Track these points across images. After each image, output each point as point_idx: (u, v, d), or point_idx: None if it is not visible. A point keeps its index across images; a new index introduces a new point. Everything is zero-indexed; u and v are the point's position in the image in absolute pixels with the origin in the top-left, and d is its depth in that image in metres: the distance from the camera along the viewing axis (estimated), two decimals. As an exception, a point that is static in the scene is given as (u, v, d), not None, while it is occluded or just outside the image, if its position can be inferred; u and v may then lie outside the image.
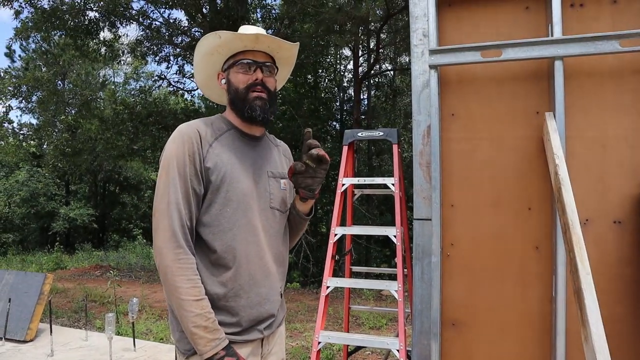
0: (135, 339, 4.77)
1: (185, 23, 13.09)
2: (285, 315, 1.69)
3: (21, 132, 18.56)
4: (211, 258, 1.40)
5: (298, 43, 1.61)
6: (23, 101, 14.78)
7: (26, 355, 4.46)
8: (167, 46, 13.23)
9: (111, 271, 8.37)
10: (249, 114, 1.48)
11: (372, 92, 16.88)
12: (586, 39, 2.18)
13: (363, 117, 15.03)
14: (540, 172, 2.41)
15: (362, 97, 15.49)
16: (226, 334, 1.36)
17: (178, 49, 13.15)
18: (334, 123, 16.83)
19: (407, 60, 14.86)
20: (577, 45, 2.20)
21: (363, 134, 3.25)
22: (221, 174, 1.40)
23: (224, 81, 1.52)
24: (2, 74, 15.78)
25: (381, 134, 3.21)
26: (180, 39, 13.05)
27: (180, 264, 1.31)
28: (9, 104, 14.75)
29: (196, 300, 1.30)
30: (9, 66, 18.09)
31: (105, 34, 12.16)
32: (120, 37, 12.37)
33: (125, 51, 13.21)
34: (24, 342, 4.80)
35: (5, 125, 19.41)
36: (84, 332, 5.18)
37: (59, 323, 5.92)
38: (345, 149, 3.29)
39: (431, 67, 2.44)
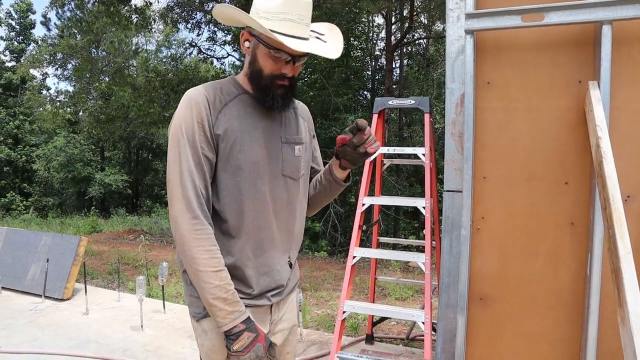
0: (165, 302, 4.92)
1: (216, -11, 12.98)
2: (299, 282, 1.67)
3: (58, 99, 19.02)
4: (221, 227, 1.38)
5: (340, 36, 1.47)
6: (59, 69, 15.06)
7: (64, 312, 4.67)
8: (198, 13, 13.16)
9: (142, 235, 8.61)
10: (270, 104, 1.40)
11: (405, 62, 16.49)
12: (640, 0, 2.02)
13: (395, 86, 14.74)
14: (579, 145, 2.29)
15: (394, 67, 15.15)
16: None
17: (209, 16, 13.06)
18: (365, 92, 16.58)
19: (442, 28, 14.37)
20: (631, 8, 2.04)
21: (394, 102, 3.15)
22: (231, 141, 1.34)
23: (247, 44, 1.38)
24: (40, 42, 16.10)
25: (412, 102, 3.11)
26: (210, 6, 12.94)
27: (197, 235, 1.28)
28: (45, 71, 15.06)
29: (215, 272, 1.27)
30: (45, 34, 18.44)
31: (137, 1, 12.18)
32: (151, 4, 12.36)
33: (157, 19, 13.22)
34: (62, 300, 5.02)
35: (44, 92, 19.95)
36: (117, 293, 5.38)
37: (93, 284, 6.16)
38: (375, 117, 3.21)
39: (467, 32, 2.31)
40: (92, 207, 18.70)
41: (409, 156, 3.42)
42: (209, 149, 1.33)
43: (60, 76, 16.77)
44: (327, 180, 1.60)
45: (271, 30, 1.25)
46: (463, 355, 2.36)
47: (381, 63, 16.34)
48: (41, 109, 20.20)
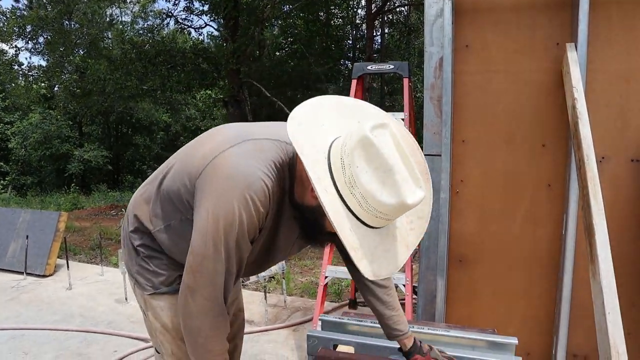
0: (150, 275, 4.92)
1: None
2: None
3: (30, 73, 18.41)
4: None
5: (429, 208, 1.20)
6: (29, 42, 14.55)
7: (47, 288, 4.64)
8: (174, -19, 12.76)
9: (124, 209, 8.48)
10: (310, 241, 1.29)
11: (386, 30, 16.30)
12: (617, -41, 2.01)
13: (376, 55, 14.59)
14: (557, 107, 2.31)
15: (375, 35, 14.98)
16: None
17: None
18: (346, 62, 16.42)
19: (423, -6, 14.16)
20: (607, -33, 2.03)
21: (373, 67, 3.12)
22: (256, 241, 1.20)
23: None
24: (7, 14, 15.47)
25: (392, 67, 3.09)
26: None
27: (217, 332, 1.17)
28: (15, 45, 14.50)
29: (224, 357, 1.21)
30: (13, 5, 17.70)
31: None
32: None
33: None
34: (44, 276, 4.98)
35: (16, 67, 19.30)
36: (100, 267, 5.35)
37: (76, 259, 6.11)
38: (354, 83, 3.19)
39: (446, -7, 2.29)
40: (72, 184, 18.37)
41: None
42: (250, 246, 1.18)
43: (32, 50, 16.22)
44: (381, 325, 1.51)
45: (357, 219, 1.02)
46: (443, 315, 2.42)
47: (362, 31, 16.12)
48: (13, 84, 19.58)
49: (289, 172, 1.15)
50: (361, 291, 1.49)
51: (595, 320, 1.58)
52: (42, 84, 19.88)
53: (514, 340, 1.62)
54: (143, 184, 1.42)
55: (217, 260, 1.10)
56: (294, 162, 1.15)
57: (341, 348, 1.74)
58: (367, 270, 1.03)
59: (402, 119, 2.96)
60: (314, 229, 1.18)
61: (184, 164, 1.22)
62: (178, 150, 1.34)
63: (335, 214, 0.99)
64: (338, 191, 1.01)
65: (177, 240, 1.27)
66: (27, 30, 13.76)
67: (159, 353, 1.42)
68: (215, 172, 1.09)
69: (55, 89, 20.67)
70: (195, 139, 1.30)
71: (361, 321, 1.80)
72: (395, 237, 1.12)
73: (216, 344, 1.17)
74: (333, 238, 1.13)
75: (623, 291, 1.89)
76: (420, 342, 1.47)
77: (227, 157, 1.09)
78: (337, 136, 1.08)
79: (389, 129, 1.01)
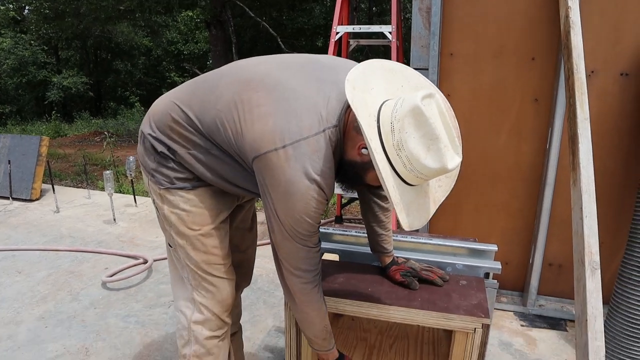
0: (136, 196, 4.94)
1: None
2: None
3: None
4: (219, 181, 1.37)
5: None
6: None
7: (34, 212, 4.65)
8: None
9: (106, 133, 8.27)
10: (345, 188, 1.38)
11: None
12: None
13: (365, -27, 13.90)
14: (549, 19, 2.24)
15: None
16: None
17: None
18: (333, -19, 15.63)
19: None
20: None
21: (360, -23, 2.97)
22: None
23: (364, 152, 1.17)
24: None
25: (380, -23, 2.94)
26: None
27: (308, 297, 1.33)
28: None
29: (323, 319, 1.38)
30: None
31: None
32: None
33: None
34: (30, 200, 4.98)
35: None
36: (87, 191, 5.35)
37: (62, 184, 6.08)
38: (339, -5, 3.04)
39: None
40: (54, 112, 17.90)
41: (376, 36, 3.28)
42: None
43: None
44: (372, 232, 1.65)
45: (399, 178, 1.12)
46: (426, 227, 2.49)
47: (350, -53, 15.20)
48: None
49: (340, 143, 1.22)
50: (362, 210, 1.64)
51: (572, 224, 1.63)
52: (10, 6, 18.71)
53: (493, 247, 1.67)
54: (169, 97, 1.38)
55: (297, 249, 1.26)
56: (340, 133, 1.21)
57: (327, 256, 1.79)
58: (405, 221, 1.15)
59: (389, 32, 2.85)
60: (353, 180, 1.29)
61: (229, 115, 1.23)
62: (215, 77, 1.32)
63: (384, 173, 1.10)
64: (385, 152, 1.11)
65: (207, 164, 1.33)
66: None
67: (171, 247, 1.47)
68: (275, 172, 1.16)
69: (26, 11, 19.52)
70: (237, 72, 1.29)
71: (345, 231, 1.84)
72: (427, 194, 1.25)
73: (311, 309, 1.35)
74: (363, 187, 1.32)
75: (600, 202, 1.94)
76: (397, 258, 1.64)
77: (286, 161, 1.15)
78: (384, 99, 1.16)
79: (435, 98, 1.10)
